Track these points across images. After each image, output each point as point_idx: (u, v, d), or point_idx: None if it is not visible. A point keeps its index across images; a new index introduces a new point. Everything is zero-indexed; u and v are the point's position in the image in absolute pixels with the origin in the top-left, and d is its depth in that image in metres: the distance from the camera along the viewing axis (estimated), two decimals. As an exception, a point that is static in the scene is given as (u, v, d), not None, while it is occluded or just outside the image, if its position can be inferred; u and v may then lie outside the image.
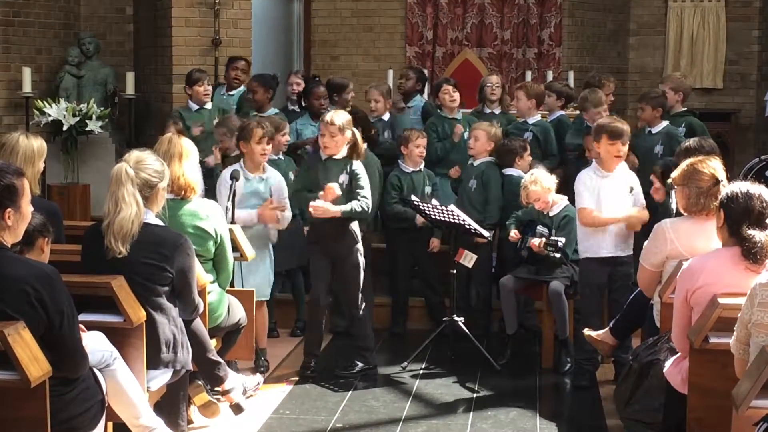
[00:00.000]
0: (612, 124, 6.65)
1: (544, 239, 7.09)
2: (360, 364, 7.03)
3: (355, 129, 6.91)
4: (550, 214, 7.28)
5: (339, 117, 6.81)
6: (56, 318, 4.04)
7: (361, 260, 6.96)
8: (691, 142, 6.69)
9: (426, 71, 11.22)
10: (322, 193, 6.73)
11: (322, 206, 6.68)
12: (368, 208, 6.86)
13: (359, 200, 6.77)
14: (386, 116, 8.91)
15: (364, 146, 7.00)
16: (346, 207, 6.73)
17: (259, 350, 6.93)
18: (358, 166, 6.87)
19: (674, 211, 5.81)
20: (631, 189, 6.68)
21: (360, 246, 6.95)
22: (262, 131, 6.80)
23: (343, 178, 6.82)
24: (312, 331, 7.12)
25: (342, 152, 6.84)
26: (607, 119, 6.91)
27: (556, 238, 7.06)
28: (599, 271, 6.67)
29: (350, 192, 6.80)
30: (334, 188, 6.71)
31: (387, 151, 8.43)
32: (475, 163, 7.90)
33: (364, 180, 6.86)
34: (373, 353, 7.14)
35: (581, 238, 6.77)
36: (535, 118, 8.70)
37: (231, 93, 9.36)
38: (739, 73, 12.92)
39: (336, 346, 7.64)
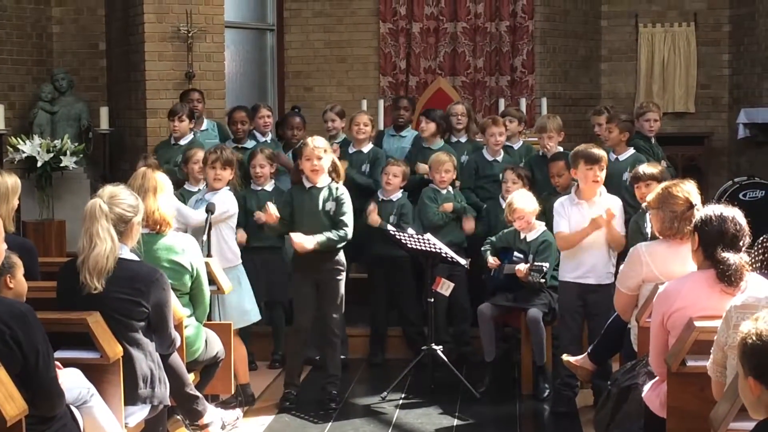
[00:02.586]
0: (588, 150, 6.70)
1: (528, 265, 7.09)
2: (334, 392, 6.99)
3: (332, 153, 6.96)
4: (528, 239, 7.30)
5: (321, 140, 6.84)
6: (31, 356, 4.00)
7: (343, 289, 6.96)
8: None
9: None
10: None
11: (299, 242, 6.69)
12: (346, 236, 6.80)
13: (338, 229, 6.75)
14: (367, 148, 8.63)
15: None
16: (322, 238, 6.71)
17: (241, 386, 6.85)
18: (343, 191, 6.86)
19: (649, 235, 5.85)
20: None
21: (344, 275, 6.94)
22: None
23: (330, 205, 6.80)
24: (292, 362, 7.10)
25: (324, 179, 6.83)
26: (583, 145, 6.92)
27: (540, 264, 7.06)
28: (575, 295, 6.70)
29: (334, 217, 6.78)
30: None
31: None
32: (444, 192, 7.99)
33: (347, 206, 6.83)
34: (339, 378, 7.12)
35: (561, 262, 6.82)
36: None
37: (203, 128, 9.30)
38: (711, 97, 12.99)
39: (313, 378, 7.60)
